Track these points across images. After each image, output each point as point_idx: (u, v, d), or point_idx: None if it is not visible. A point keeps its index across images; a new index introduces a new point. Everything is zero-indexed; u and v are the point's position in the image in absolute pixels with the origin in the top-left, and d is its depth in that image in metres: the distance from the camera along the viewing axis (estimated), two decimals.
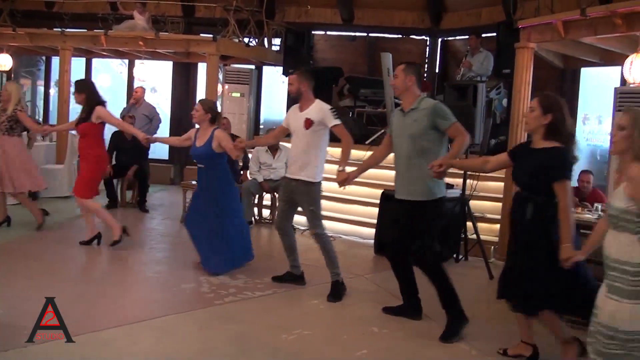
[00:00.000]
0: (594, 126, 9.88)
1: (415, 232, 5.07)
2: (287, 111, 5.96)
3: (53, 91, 13.64)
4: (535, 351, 4.51)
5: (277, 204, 6.09)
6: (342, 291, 5.89)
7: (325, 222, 6.07)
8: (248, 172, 9.20)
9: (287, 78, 6.08)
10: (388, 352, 4.66)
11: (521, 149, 4.55)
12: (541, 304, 4.26)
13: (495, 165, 4.81)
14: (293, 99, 6.11)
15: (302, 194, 5.83)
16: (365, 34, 12.83)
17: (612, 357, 3.29)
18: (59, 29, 11.00)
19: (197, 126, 6.48)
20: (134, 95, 11.10)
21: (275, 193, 9.09)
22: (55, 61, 11.25)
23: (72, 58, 11.12)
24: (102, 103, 6.96)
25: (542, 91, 4.69)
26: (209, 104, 6.55)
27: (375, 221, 7.93)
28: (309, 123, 5.75)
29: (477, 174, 7.19)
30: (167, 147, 11.65)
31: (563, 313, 4.44)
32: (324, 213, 6.05)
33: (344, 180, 5.51)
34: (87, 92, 6.96)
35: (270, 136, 6.99)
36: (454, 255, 7.43)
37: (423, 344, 4.83)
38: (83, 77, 12.60)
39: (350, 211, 8.83)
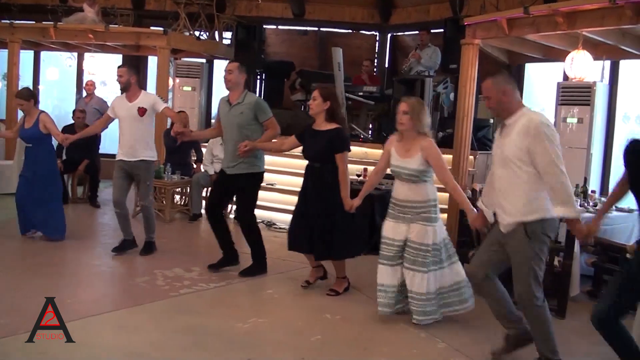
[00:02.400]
0: None
1: (238, 199, 6.35)
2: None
3: (0, 85, 13.37)
4: (325, 271, 6.01)
5: (114, 181, 6.92)
6: (154, 249, 6.91)
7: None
8: (202, 164, 9.25)
9: (117, 70, 6.76)
10: (341, 336, 4.81)
11: (307, 131, 5.71)
12: (345, 251, 5.65)
13: (289, 146, 6.05)
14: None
15: (141, 171, 6.74)
16: (316, 29, 12.96)
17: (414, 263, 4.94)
18: (7, 21, 10.83)
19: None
20: (87, 89, 11.00)
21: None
22: (3, 54, 11.04)
23: (21, 51, 10.94)
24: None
25: (320, 84, 6.43)
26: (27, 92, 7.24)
27: None
28: (142, 111, 6.59)
29: None
30: (117, 142, 11.55)
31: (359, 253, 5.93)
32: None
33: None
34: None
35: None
36: None
37: (376, 328, 4.99)
38: (31, 70, 12.46)
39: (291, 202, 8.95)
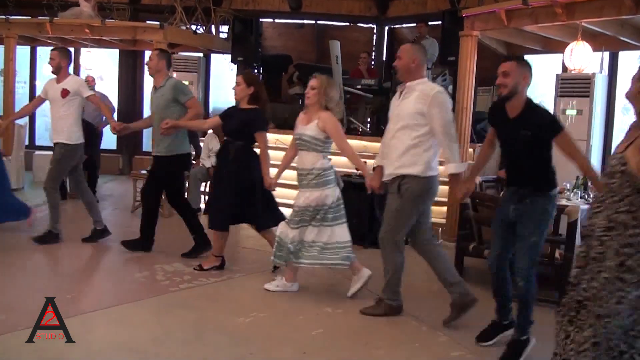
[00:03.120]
0: None
1: (164, 182, 6.64)
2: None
3: None
4: (223, 261, 6.20)
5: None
6: (52, 241, 6.85)
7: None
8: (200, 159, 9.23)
9: (50, 53, 6.89)
10: (342, 330, 4.80)
11: (230, 111, 6.16)
12: (267, 220, 6.02)
13: (211, 125, 6.83)
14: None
15: (55, 153, 6.84)
16: (314, 22, 12.92)
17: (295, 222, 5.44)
18: (3, 16, 10.77)
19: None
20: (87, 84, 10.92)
21: None
22: (0, 49, 11.00)
23: (17, 46, 10.87)
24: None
25: (245, 69, 6.87)
26: None
27: None
28: (65, 92, 6.74)
29: None
30: (115, 137, 11.54)
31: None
32: None
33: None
34: None
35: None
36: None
37: (377, 322, 4.97)
38: (28, 65, 12.40)
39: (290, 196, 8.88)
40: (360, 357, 4.37)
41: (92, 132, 8.51)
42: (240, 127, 5.94)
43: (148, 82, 12.02)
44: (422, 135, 4.75)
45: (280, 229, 5.59)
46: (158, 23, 10.46)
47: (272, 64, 11.94)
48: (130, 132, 7.36)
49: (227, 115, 6.16)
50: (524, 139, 4.16)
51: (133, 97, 13.10)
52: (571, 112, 7.94)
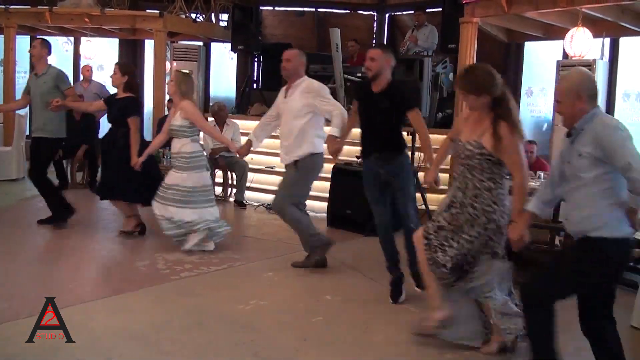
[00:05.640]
0: (537, 98, 10.16)
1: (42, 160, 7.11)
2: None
3: None
4: (144, 227, 6.88)
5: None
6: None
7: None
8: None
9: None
10: (342, 317, 4.81)
11: (110, 100, 6.84)
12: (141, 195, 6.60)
13: (95, 108, 7.52)
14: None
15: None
16: (314, 10, 12.87)
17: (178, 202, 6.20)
18: (3, 6, 10.75)
19: None
20: (84, 74, 10.95)
21: (229, 171, 9.14)
22: None
23: (17, 36, 10.87)
24: None
25: (122, 60, 8.08)
26: None
27: (327, 195, 8.06)
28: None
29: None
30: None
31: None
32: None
33: None
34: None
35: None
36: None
37: (377, 309, 5.00)
38: (27, 55, 12.37)
39: None
40: (360, 343, 4.38)
41: (91, 122, 8.52)
42: (119, 115, 6.63)
43: (148, 71, 12.03)
44: (309, 122, 5.68)
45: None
46: (157, 11, 10.46)
47: (272, 52, 11.83)
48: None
49: (109, 102, 6.87)
50: (384, 109, 4.98)
51: None
52: None
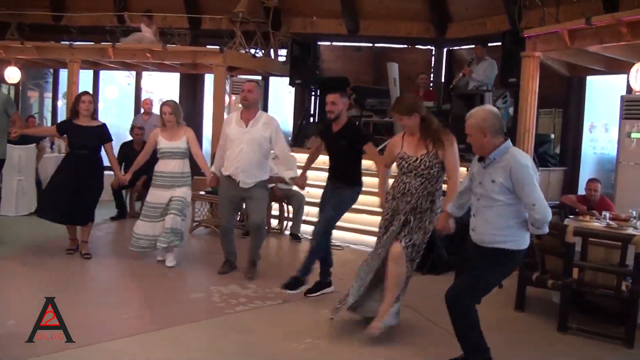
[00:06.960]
0: (600, 134, 9.89)
1: None
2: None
3: (61, 103, 13.72)
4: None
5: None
6: None
7: (335, 232, 6.67)
8: None
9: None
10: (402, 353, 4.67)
11: (70, 126, 7.14)
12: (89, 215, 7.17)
13: (51, 132, 8.58)
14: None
15: None
16: (371, 45, 12.89)
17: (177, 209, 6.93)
18: (67, 42, 11.08)
19: None
20: (145, 107, 11.17)
21: (286, 203, 9.13)
22: (63, 73, 11.32)
23: (80, 70, 11.18)
24: None
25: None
26: None
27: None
28: None
29: None
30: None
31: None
32: None
33: None
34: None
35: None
36: None
37: (437, 352, 4.82)
38: (90, 89, 12.71)
39: (357, 220, 8.80)
40: None
41: (153, 156, 8.59)
42: (95, 141, 7.12)
43: (207, 105, 12.21)
44: (268, 151, 6.61)
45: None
46: (218, 47, 10.62)
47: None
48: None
49: (70, 129, 7.17)
50: (341, 147, 5.95)
51: (193, 120, 13.27)
52: (636, 135, 7.65)
